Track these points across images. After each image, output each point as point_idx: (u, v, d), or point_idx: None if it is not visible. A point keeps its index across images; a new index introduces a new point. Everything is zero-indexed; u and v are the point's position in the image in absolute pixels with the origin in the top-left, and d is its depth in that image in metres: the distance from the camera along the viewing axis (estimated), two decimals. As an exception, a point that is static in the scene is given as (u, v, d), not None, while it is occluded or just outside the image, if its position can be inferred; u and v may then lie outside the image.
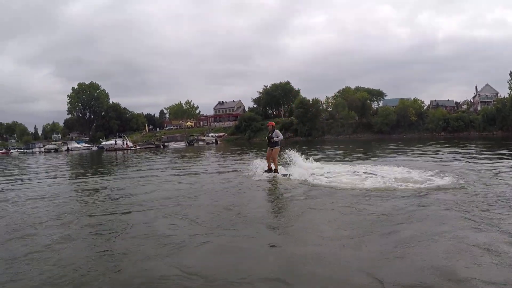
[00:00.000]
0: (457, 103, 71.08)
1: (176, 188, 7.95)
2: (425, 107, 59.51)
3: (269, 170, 9.11)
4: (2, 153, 60.11)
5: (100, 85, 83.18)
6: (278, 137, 9.10)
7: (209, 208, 5.64)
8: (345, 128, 54.83)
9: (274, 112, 71.95)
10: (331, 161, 12.65)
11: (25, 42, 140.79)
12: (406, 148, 20.13)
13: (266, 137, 9.48)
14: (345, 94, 60.85)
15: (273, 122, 9.71)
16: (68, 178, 12.45)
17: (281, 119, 63.18)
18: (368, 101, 59.83)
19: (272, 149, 9.14)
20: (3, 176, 14.45)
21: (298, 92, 68.04)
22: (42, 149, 63.09)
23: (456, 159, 12.03)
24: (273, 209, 5.79)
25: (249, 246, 3.72)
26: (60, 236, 4.33)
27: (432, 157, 13.39)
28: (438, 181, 6.95)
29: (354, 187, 6.78)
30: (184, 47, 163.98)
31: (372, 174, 8.29)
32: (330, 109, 60.48)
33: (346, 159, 13.88)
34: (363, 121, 55.84)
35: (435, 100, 68.42)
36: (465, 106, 67.30)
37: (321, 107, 60.01)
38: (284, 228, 4.37)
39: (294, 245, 3.71)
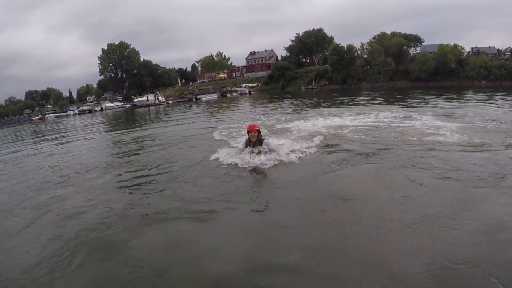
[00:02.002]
0: (499, 50, 67.67)
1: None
2: (465, 53, 57.40)
3: None
4: (39, 119, 62.37)
5: (130, 44, 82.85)
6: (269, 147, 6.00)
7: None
8: (381, 75, 54.34)
9: (308, 60, 71.25)
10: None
11: (51, 10, 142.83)
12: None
13: (246, 147, 6.23)
14: (380, 39, 58.99)
15: (257, 125, 6.30)
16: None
17: (315, 67, 63.18)
18: (405, 47, 57.85)
19: None
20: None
21: (331, 39, 66.42)
22: (76, 111, 65.63)
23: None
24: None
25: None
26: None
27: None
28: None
29: None
30: (209, 0, 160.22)
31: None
32: (365, 56, 59.71)
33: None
34: (400, 68, 54.90)
35: (476, 47, 65.26)
36: (508, 53, 64.09)
37: (356, 54, 59.19)
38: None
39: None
